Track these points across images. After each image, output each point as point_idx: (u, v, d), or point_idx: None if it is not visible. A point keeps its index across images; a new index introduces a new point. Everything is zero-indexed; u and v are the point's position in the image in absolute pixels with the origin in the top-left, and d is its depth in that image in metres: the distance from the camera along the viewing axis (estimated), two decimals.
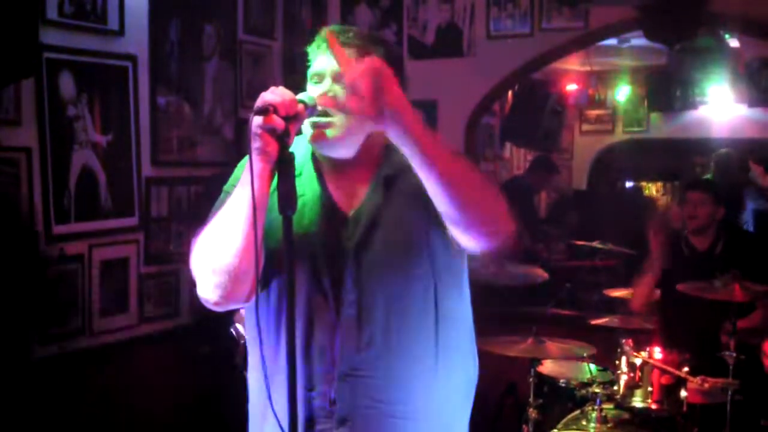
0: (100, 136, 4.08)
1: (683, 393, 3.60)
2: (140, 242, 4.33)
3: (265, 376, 1.83)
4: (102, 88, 4.07)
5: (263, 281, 1.86)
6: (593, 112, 9.54)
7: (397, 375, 1.87)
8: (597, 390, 3.66)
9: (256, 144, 1.71)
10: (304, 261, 1.85)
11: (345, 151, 1.91)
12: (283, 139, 1.72)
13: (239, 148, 4.96)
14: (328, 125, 1.84)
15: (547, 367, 4.08)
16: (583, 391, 3.78)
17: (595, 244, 6.48)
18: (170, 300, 4.54)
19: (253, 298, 1.81)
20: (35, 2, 3.58)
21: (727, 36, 6.28)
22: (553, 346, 3.90)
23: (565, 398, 3.96)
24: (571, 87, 8.42)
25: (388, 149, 1.92)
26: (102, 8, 4.05)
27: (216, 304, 1.87)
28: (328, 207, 1.92)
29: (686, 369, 3.63)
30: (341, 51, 1.73)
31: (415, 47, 5.42)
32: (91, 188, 4.04)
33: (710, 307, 4.00)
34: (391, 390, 1.87)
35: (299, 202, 1.80)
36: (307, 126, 1.86)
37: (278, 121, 1.70)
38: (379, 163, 1.95)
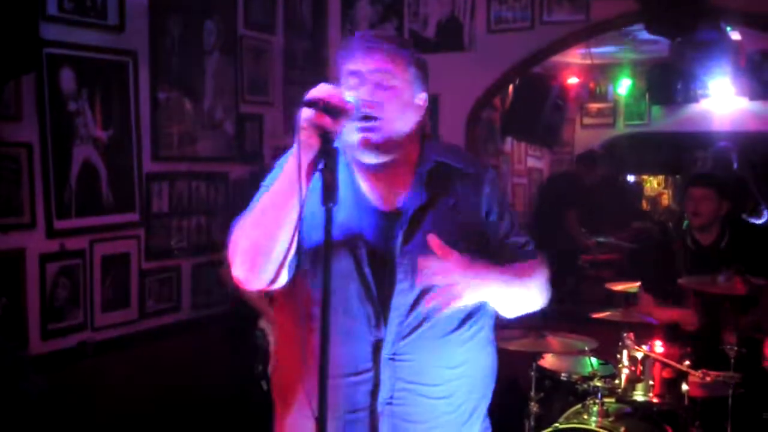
0: (101, 132, 4.08)
1: (685, 387, 3.60)
2: (141, 238, 4.33)
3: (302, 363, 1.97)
4: (102, 83, 4.07)
5: (302, 268, 1.99)
6: (594, 106, 9.52)
7: (435, 359, 2.02)
8: (598, 384, 3.66)
9: (302, 136, 1.80)
10: (347, 255, 1.98)
11: (384, 156, 1.99)
12: (327, 133, 1.79)
13: (240, 143, 4.96)
14: (373, 129, 1.94)
15: (549, 360, 4.08)
16: (585, 385, 3.78)
17: (598, 237, 6.49)
18: (171, 295, 4.55)
19: (285, 282, 1.96)
20: None
21: (728, 29, 6.26)
22: (554, 340, 3.90)
23: (567, 392, 3.96)
24: (572, 80, 8.40)
25: (424, 147, 2.07)
26: (102, 4, 4.05)
27: (248, 284, 1.96)
28: (366, 205, 2.03)
29: (687, 362, 3.63)
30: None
31: (416, 42, 5.40)
32: (92, 183, 4.04)
33: (714, 301, 4.00)
34: (429, 373, 2.02)
35: (342, 198, 1.88)
36: (351, 130, 1.92)
37: (327, 117, 1.78)
38: (417, 161, 2.06)
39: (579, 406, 3.75)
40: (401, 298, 1.98)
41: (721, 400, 3.66)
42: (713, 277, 3.92)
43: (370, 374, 2.00)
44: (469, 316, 2.06)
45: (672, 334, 4.05)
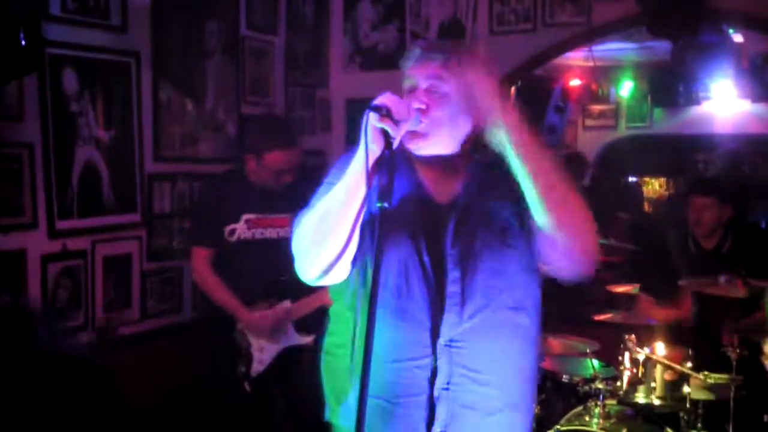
0: (103, 132, 4.08)
1: (686, 389, 3.60)
2: (143, 238, 4.33)
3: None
4: (105, 83, 4.07)
5: (362, 262, 2.11)
6: (596, 108, 9.54)
7: (490, 348, 2.11)
8: (600, 386, 3.66)
9: (366, 139, 1.94)
10: (407, 246, 2.10)
11: (435, 150, 2.11)
12: (389, 138, 1.93)
13: (241, 144, 4.96)
14: (421, 135, 2.05)
15: (550, 362, 4.08)
16: (586, 387, 3.77)
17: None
18: (173, 296, 4.55)
19: (346, 275, 2.10)
20: None
21: (730, 31, 6.26)
22: (555, 342, 3.91)
23: (568, 394, 3.96)
24: (575, 82, 8.41)
25: (480, 144, 2.12)
26: (105, 4, 4.05)
27: (313, 278, 2.11)
28: (425, 198, 2.15)
29: (689, 365, 3.63)
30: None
31: None
32: (94, 184, 4.04)
33: (713, 303, 4.00)
34: (484, 361, 2.11)
35: (398, 193, 2.03)
36: (404, 131, 2.01)
37: (390, 123, 1.92)
38: (472, 156, 2.16)
39: (580, 408, 3.75)
40: (455, 287, 2.08)
41: (722, 403, 3.66)
42: (714, 279, 3.92)
43: (429, 360, 2.08)
44: (524, 309, 2.15)
45: (674, 336, 4.04)
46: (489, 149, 2.09)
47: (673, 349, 3.72)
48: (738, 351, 3.67)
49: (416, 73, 2.09)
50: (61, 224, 3.87)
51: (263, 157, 3.74)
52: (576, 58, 7.77)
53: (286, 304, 3.82)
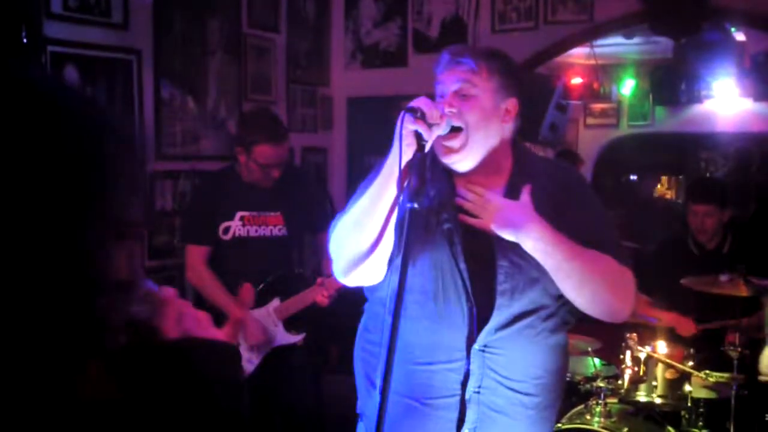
0: None
1: (688, 387, 3.60)
2: (144, 236, 4.33)
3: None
4: (106, 81, 4.08)
5: (396, 264, 2.10)
6: (598, 106, 9.51)
7: (523, 356, 2.16)
8: (601, 384, 3.66)
9: (400, 141, 1.95)
10: (446, 249, 2.12)
11: (470, 163, 2.14)
12: (422, 141, 1.94)
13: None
14: (455, 144, 2.09)
15: None
16: (588, 386, 3.77)
17: None
18: None
19: (382, 278, 2.14)
20: None
21: (732, 29, 6.25)
22: None
23: (570, 393, 3.95)
24: (576, 80, 8.39)
25: (518, 160, 2.21)
26: (106, 2, 4.05)
27: (351, 281, 2.18)
28: (462, 209, 2.14)
29: (690, 363, 3.63)
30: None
31: (420, 41, 5.41)
32: None
33: (715, 302, 3.99)
34: (516, 368, 2.15)
35: (436, 200, 2.11)
36: (438, 142, 2.07)
37: (424, 126, 1.94)
38: (511, 172, 2.20)
39: (582, 406, 3.75)
40: (501, 299, 2.11)
41: (724, 402, 3.66)
42: (716, 278, 3.92)
43: (462, 363, 2.12)
44: (558, 320, 2.19)
45: (675, 335, 4.04)
46: (529, 164, 2.19)
47: (675, 347, 3.72)
48: (739, 350, 3.67)
49: (446, 79, 2.12)
50: None
51: (252, 150, 3.72)
52: (578, 56, 7.75)
53: (275, 302, 3.80)
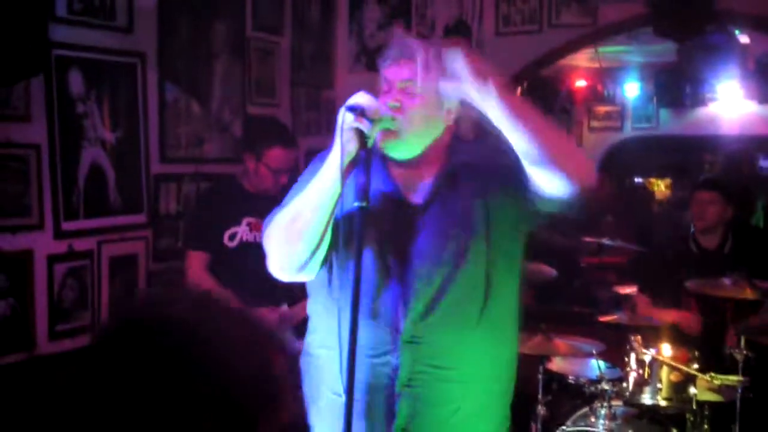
0: (109, 133, 4.08)
1: (692, 390, 3.60)
2: (149, 239, 4.34)
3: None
4: (111, 84, 4.08)
5: (329, 258, 2.14)
6: (602, 109, 9.52)
7: (449, 343, 2.12)
8: (606, 387, 3.65)
9: (341, 138, 1.97)
10: (372, 243, 2.10)
11: (408, 152, 2.14)
12: (365, 138, 1.96)
13: (248, 143, 4.96)
14: (395, 135, 2.07)
15: (556, 363, 4.08)
16: (592, 388, 3.77)
17: (604, 240, 6.47)
18: None
19: (317, 273, 2.14)
20: None
21: (736, 32, 6.25)
22: (561, 342, 3.90)
23: (574, 395, 3.96)
24: (580, 83, 8.41)
25: (452, 148, 2.19)
26: (111, 5, 4.05)
27: (284, 274, 2.17)
28: (396, 197, 2.16)
29: (695, 366, 3.63)
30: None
31: None
32: (100, 185, 4.05)
33: (719, 305, 3.99)
34: (444, 356, 2.11)
35: (372, 190, 2.05)
36: (378, 130, 2.06)
37: (365, 123, 1.96)
38: (445, 160, 2.18)
39: (586, 409, 3.75)
40: (422, 285, 2.09)
41: (729, 404, 3.65)
42: (720, 280, 3.92)
43: (391, 356, 2.10)
44: (492, 304, 2.14)
45: (680, 337, 4.04)
46: (463, 151, 2.17)
47: (679, 350, 3.72)
48: (744, 352, 3.67)
49: (391, 73, 2.12)
50: (68, 225, 3.88)
51: (263, 155, 3.73)
52: (582, 59, 7.76)
53: (284, 309, 3.80)
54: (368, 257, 2.09)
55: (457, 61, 1.93)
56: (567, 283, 6.14)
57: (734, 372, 3.65)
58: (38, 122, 3.73)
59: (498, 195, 2.14)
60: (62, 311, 3.88)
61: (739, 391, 3.59)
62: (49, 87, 3.76)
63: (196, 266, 3.84)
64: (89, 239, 4.00)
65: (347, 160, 1.98)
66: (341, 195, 2.01)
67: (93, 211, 4.01)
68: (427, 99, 2.09)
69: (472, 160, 2.18)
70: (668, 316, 4.21)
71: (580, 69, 8.20)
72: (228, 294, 3.73)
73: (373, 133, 1.98)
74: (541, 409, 3.85)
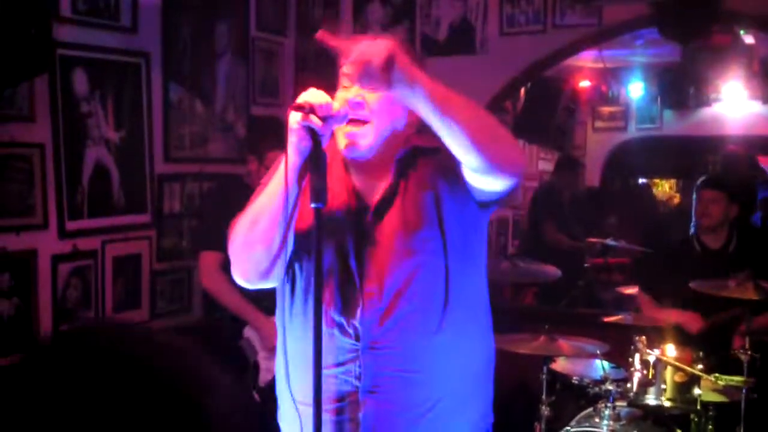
0: (113, 133, 4.09)
1: (697, 391, 3.58)
2: (153, 238, 4.34)
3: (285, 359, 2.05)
4: (115, 84, 4.09)
5: (291, 265, 2.09)
6: (606, 109, 9.50)
7: (412, 345, 2.04)
8: (610, 387, 3.64)
9: (292, 138, 1.90)
10: (332, 246, 2.04)
11: (370, 151, 2.07)
12: (317, 137, 1.88)
13: (251, 145, 4.96)
14: (360, 135, 2.02)
15: (560, 364, 4.07)
16: (596, 389, 3.76)
17: (608, 241, 6.47)
18: (182, 296, 4.56)
19: (281, 279, 2.08)
20: None
21: (741, 32, 6.24)
22: (565, 343, 3.89)
23: (578, 396, 3.95)
24: (584, 84, 8.39)
25: (407, 150, 2.12)
26: (115, 5, 4.06)
27: (246, 280, 2.11)
28: (354, 199, 2.10)
29: (700, 366, 3.62)
30: (337, 39, 1.89)
31: (428, 44, 5.41)
32: (104, 184, 4.05)
33: (724, 306, 3.98)
34: (409, 360, 2.04)
35: (329, 194, 1.96)
36: (340, 135, 2.02)
37: (315, 120, 1.87)
38: (398, 162, 2.11)
39: (590, 409, 3.74)
40: (372, 287, 2.03)
41: (733, 405, 3.64)
42: (724, 282, 3.91)
43: (352, 365, 2.04)
44: (451, 302, 2.06)
45: (684, 337, 4.03)
46: (412, 147, 2.10)
47: (684, 350, 3.71)
48: (749, 353, 3.66)
49: (350, 69, 1.96)
50: (72, 224, 3.88)
51: (266, 157, 3.73)
52: (586, 59, 7.74)
53: None
54: (328, 261, 2.03)
55: (355, 68, 1.80)
56: (571, 283, 6.13)
57: (739, 373, 3.65)
58: (42, 122, 3.74)
59: (445, 185, 2.08)
60: (66, 311, 3.88)
61: (744, 392, 3.58)
62: (54, 87, 3.76)
63: (211, 266, 3.83)
64: (93, 239, 4.00)
65: (299, 160, 1.91)
66: (296, 197, 1.95)
67: (97, 211, 4.01)
68: (390, 95, 1.98)
69: (422, 152, 2.12)
70: (671, 316, 4.20)
71: (584, 69, 8.18)
72: (238, 295, 3.72)
73: (327, 131, 1.91)
74: (545, 410, 3.84)
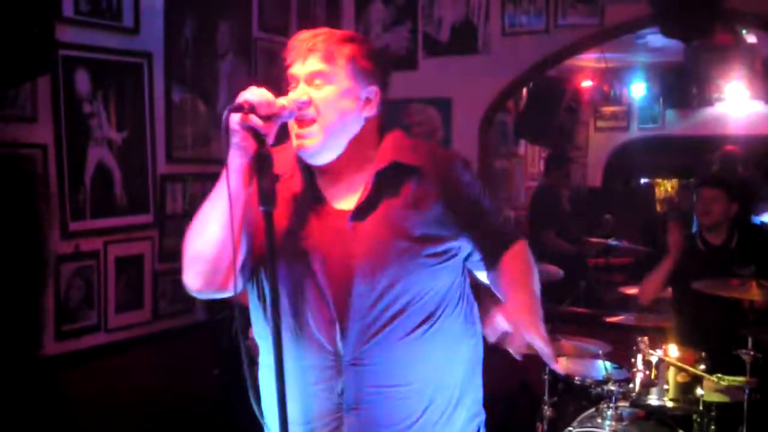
0: (116, 133, 4.09)
1: (699, 391, 3.58)
2: (155, 239, 4.34)
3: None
4: (117, 85, 4.09)
5: (252, 274, 1.98)
6: (608, 109, 9.51)
7: (399, 359, 1.94)
8: (612, 388, 3.64)
9: (233, 139, 1.80)
10: (302, 260, 1.93)
11: (328, 156, 1.97)
12: (260, 137, 1.79)
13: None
14: (307, 135, 1.93)
15: (562, 364, 4.07)
16: (599, 389, 3.76)
17: (610, 241, 6.46)
18: (184, 297, 4.52)
19: (239, 289, 1.95)
20: (52, 0, 3.59)
21: (743, 32, 6.23)
22: (568, 343, 3.90)
23: (580, 396, 3.95)
24: (586, 83, 8.40)
25: (382, 150, 2.01)
26: (117, 6, 4.06)
27: (197, 291, 1.99)
28: (322, 207, 1.98)
29: (702, 367, 3.62)
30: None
31: (430, 44, 5.41)
32: (107, 185, 4.05)
33: (726, 305, 3.98)
34: (395, 374, 1.95)
35: (294, 202, 1.93)
36: (293, 136, 1.94)
37: (256, 120, 1.78)
38: (372, 164, 1.99)
39: (593, 410, 3.74)
40: (358, 302, 1.91)
41: (736, 405, 3.64)
42: (727, 281, 3.92)
43: (335, 382, 1.94)
44: (433, 312, 1.97)
45: (686, 338, 4.03)
46: (393, 152, 2.00)
47: (686, 350, 3.71)
48: (752, 353, 3.66)
49: (296, 70, 1.97)
50: (74, 225, 3.88)
51: None
52: (588, 59, 7.75)
53: None
54: (297, 274, 1.92)
55: (533, 340, 1.81)
56: (573, 283, 6.12)
57: (742, 373, 3.65)
58: (45, 122, 3.74)
59: (437, 205, 1.98)
60: (69, 311, 3.88)
61: (747, 392, 3.58)
62: (56, 87, 3.76)
63: None
64: (95, 239, 4.01)
65: (239, 162, 1.82)
66: (243, 201, 1.84)
67: (99, 212, 4.01)
68: (338, 88, 1.93)
69: (413, 161, 2.00)
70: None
71: (586, 69, 8.19)
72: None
73: (271, 130, 1.81)
74: (547, 410, 3.85)
